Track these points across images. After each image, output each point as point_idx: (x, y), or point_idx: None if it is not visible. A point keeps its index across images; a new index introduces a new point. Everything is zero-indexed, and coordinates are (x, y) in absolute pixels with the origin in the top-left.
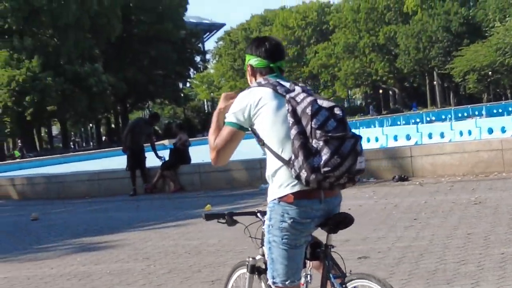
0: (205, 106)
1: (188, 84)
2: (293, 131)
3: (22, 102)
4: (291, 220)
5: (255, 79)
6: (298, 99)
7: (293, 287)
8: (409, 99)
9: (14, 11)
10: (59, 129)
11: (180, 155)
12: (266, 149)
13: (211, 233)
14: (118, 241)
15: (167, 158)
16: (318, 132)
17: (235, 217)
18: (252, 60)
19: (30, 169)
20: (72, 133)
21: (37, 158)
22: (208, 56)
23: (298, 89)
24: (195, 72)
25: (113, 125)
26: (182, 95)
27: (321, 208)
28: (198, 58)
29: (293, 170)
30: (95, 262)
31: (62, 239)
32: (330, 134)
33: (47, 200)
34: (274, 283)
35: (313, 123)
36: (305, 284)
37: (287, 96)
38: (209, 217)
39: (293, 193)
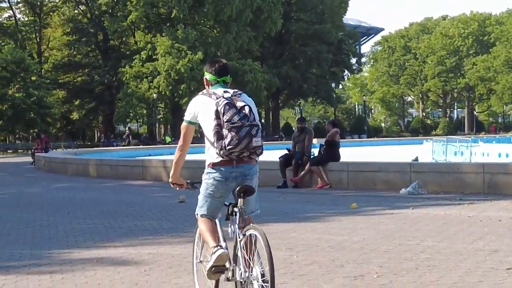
0: (356, 109)
1: (341, 86)
2: (214, 123)
3: (178, 91)
4: (212, 178)
5: (208, 87)
6: (219, 102)
7: (204, 218)
8: None
9: (180, 1)
10: None
11: (330, 151)
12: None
13: (356, 231)
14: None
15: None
16: (226, 123)
17: (195, 184)
18: (207, 75)
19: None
20: None
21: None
22: (363, 60)
23: (226, 94)
24: (349, 74)
25: (263, 120)
26: (334, 95)
27: (234, 171)
28: (353, 61)
29: (215, 148)
30: None
31: None
32: (231, 125)
33: None
34: (197, 214)
35: (224, 118)
36: (230, 234)
37: (215, 101)
38: (174, 184)
39: (214, 163)
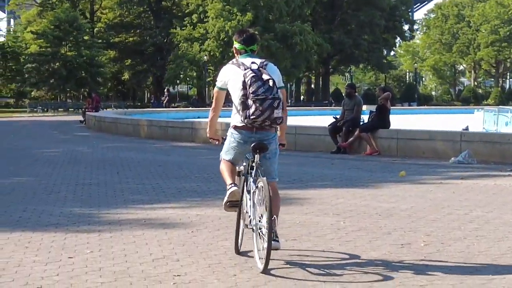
0: (407, 77)
1: (392, 53)
2: (240, 93)
3: (228, 53)
4: (233, 138)
5: (237, 56)
6: (247, 74)
7: (225, 160)
8: None
9: None
10: None
11: (380, 118)
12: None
13: (404, 199)
14: (309, 194)
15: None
16: (251, 95)
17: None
18: (236, 44)
19: (228, 118)
20: None
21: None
22: (416, 27)
23: (253, 66)
24: (401, 41)
25: (312, 85)
26: (385, 62)
27: (253, 136)
28: (406, 27)
29: (240, 116)
30: (286, 212)
31: None
32: (255, 97)
33: None
34: (220, 157)
35: (250, 90)
36: (247, 186)
37: (243, 72)
38: (211, 139)
39: (236, 126)
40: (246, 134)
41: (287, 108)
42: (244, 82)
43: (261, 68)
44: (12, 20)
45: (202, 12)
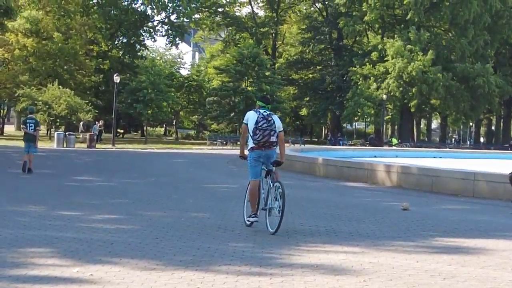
0: None
1: None
2: (253, 126)
3: (408, 92)
4: (252, 156)
5: (258, 107)
6: (259, 116)
7: (254, 181)
8: None
9: (416, 3)
10: (438, 124)
11: None
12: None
13: None
14: (487, 246)
15: None
16: (259, 127)
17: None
18: (259, 102)
19: (405, 158)
20: (451, 129)
21: (413, 148)
22: None
23: (264, 115)
24: None
25: (493, 127)
26: None
27: (263, 153)
28: None
29: (252, 139)
30: (462, 264)
31: (431, 234)
32: (261, 128)
33: (419, 192)
34: (249, 180)
35: (259, 125)
36: (268, 188)
37: (257, 115)
38: (241, 157)
39: (251, 147)
40: (258, 152)
41: (284, 144)
42: (257, 121)
43: (268, 115)
44: (196, 54)
45: (381, 50)
